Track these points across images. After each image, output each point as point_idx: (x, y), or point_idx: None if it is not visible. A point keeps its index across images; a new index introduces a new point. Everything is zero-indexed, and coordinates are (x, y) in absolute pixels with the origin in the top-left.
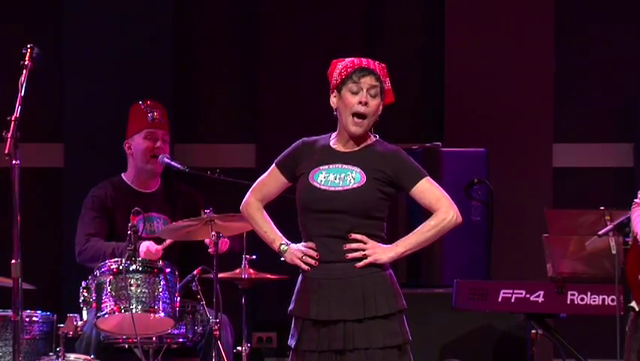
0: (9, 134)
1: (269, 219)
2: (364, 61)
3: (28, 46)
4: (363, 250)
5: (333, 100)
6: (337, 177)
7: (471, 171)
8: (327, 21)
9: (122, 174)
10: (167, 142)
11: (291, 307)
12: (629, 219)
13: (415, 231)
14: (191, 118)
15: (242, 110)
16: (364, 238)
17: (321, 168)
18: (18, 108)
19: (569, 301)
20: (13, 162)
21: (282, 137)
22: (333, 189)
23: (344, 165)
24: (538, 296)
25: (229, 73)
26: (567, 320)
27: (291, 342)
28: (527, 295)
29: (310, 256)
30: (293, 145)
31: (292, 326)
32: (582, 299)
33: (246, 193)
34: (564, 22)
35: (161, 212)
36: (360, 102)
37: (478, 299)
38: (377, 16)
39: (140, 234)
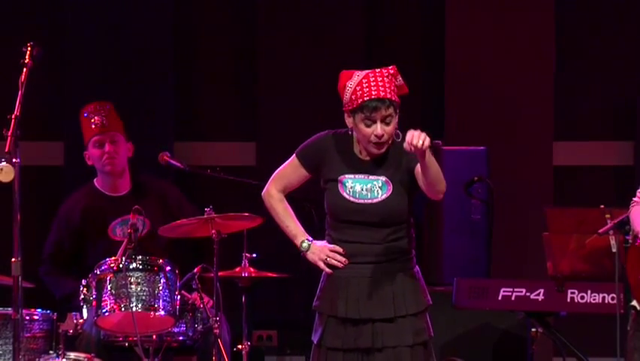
0: (9, 133)
1: (291, 211)
2: (373, 87)
3: (29, 44)
4: (417, 140)
5: (348, 120)
6: (364, 188)
7: (471, 169)
8: (327, 19)
9: (95, 180)
10: (117, 141)
11: (316, 303)
12: (629, 217)
13: None
14: (191, 116)
15: (242, 108)
16: (407, 137)
17: (346, 176)
18: (18, 106)
19: (569, 300)
20: (14, 160)
21: (282, 135)
22: (362, 201)
23: (370, 176)
24: (538, 294)
25: (229, 70)
26: (567, 318)
27: (314, 337)
28: (527, 294)
29: (336, 260)
30: (317, 137)
31: (316, 320)
32: (582, 297)
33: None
34: (564, 20)
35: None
36: (377, 136)
37: (478, 297)
38: (378, 13)
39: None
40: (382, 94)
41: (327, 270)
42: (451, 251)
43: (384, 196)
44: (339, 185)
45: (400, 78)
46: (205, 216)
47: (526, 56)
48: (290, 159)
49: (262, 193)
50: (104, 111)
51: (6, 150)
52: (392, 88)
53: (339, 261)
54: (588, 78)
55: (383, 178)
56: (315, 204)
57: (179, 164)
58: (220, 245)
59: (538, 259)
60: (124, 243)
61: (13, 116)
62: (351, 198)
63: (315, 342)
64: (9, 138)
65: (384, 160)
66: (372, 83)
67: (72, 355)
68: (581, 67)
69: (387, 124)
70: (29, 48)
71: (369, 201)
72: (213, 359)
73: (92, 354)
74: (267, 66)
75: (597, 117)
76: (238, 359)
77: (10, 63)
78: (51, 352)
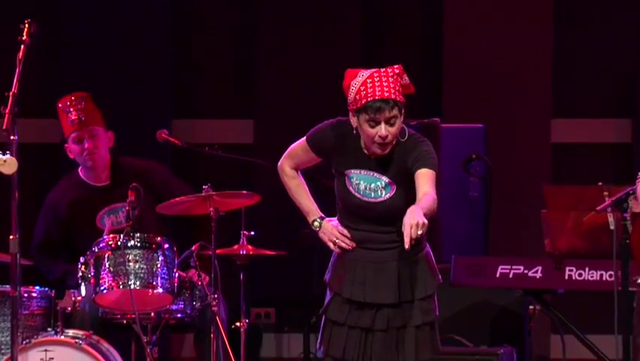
0: (7, 110)
1: (304, 188)
2: (378, 88)
3: (26, 21)
4: (415, 232)
5: (353, 120)
6: (368, 187)
7: (469, 146)
8: None
9: (79, 170)
10: (96, 135)
11: (327, 276)
12: (627, 194)
13: (420, 200)
14: (189, 93)
15: (240, 85)
16: (406, 232)
17: (352, 171)
18: (16, 84)
19: (567, 277)
20: (11, 137)
21: (280, 112)
22: (366, 199)
23: (374, 174)
24: (536, 272)
25: (228, 48)
26: (565, 295)
27: (324, 305)
28: (525, 271)
29: (344, 243)
30: (327, 125)
31: (327, 291)
32: (580, 275)
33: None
34: None
35: (124, 200)
36: (381, 137)
37: (476, 275)
38: None
39: (102, 228)
40: (387, 95)
41: (337, 250)
42: (449, 229)
43: (387, 196)
44: (346, 179)
45: (405, 77)
46: (203, 193)
47: (525, 34)
48: (301, 141)
49: (277, 166)
50: (80, 105)
51: (4, 127)
52: (397, 88)
53: (347, 244)
54: (587, 55)
55: (386, 179)
56: (314, 182)
57: (177, 141)
58: (218, 223)
59: (536, 236)
60: (107, 226)
61: (10, 94)
62: (357, 195)
63: (321, 310)
64: (7, 115)
65: (389, 159)
66: (376, 84)
67: (70, 332)
68: (579, 44)
69: (392, 125)
70: (27, 25)
71: (373, 200)
72: (211, 337)
73: (90, 331)
74: (265, 44)
75: (595, 95)
76: (236, 337)
77: (8, 40)
78: (49, 329)
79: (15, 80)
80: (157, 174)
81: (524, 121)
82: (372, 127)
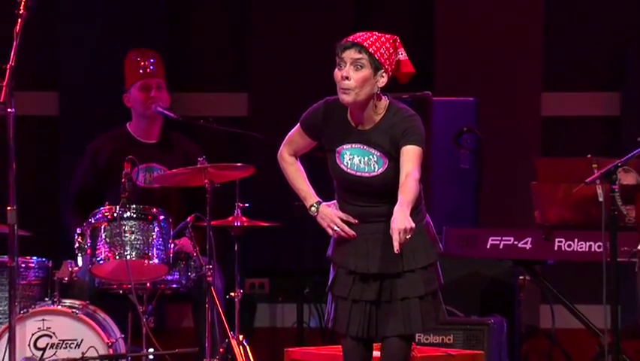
0: (4, 83)
1: (302, 173)
2: (357, 35)
3: None
4: (404, 237)
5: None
6: (362, 161)
7: (460, 119)
8: None
9: (127, 124)
10: (162, 88)
11: (329, 252)
12: (616, 166)
13: (403, 193)
14: (184, 66)
15: (235, 58)
16: (394, 236)
17: (344, 147)
18: (13, 56)
19: (556, 248)
20: (9, 109)
21: (274, 86)
22: (360, 174)
23: (365, 147)
24: (526, 243)
25: (222, 21)
26: (555, 266)
27: (328, 284)
28: (515, 242)
29: (344, 231)
30: (316, 107)
31: (331, 267)
32: (569, 246)
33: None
34: None
35: (162, 163)
36: (342, 77)
37: (466, 246)
38: None
39: (135, 181)
40: (358, 40)
41: (335, 236)
42: (440, 200)
43: (380, 170)
44: (337, 156)
45: (402, 52)
46: (198, 166)
47: (515, 7)
48: (296, 127)
49: (277, 155)
50: (153, 57)
51: (1, 99)
52: (376, 45)
53: (346, 233)
54: (576, 29)
55: (378, 153)
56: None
57: (171, 114)
58: (213, 195)
59: (527, 207)
60: (139, 180)
61: (8, 66)
62: (349, 171)
63: (327, 289)
64: (4, 87)
65: (378, 131)
66: (356, 35)
67: (67, 302)
68: (569, 18)
69: (357, 69)
70: None
71: (367, 174)
72: (206, 307)
73: (87, 301)
74: (259, 17)
75: (584, 68)
76: (231, 307)
77: (5, 13)
78: (46, 299)
79: (12, 53)
80: (196, 154)
81: (515, 94)
82: (339, 69)
